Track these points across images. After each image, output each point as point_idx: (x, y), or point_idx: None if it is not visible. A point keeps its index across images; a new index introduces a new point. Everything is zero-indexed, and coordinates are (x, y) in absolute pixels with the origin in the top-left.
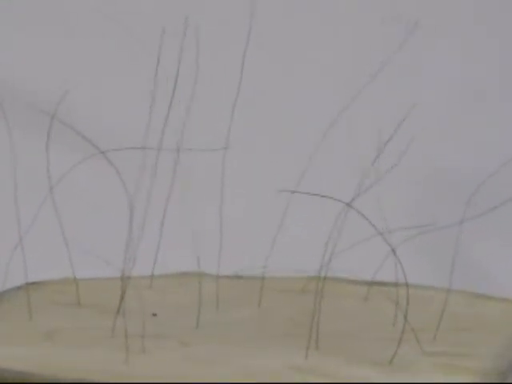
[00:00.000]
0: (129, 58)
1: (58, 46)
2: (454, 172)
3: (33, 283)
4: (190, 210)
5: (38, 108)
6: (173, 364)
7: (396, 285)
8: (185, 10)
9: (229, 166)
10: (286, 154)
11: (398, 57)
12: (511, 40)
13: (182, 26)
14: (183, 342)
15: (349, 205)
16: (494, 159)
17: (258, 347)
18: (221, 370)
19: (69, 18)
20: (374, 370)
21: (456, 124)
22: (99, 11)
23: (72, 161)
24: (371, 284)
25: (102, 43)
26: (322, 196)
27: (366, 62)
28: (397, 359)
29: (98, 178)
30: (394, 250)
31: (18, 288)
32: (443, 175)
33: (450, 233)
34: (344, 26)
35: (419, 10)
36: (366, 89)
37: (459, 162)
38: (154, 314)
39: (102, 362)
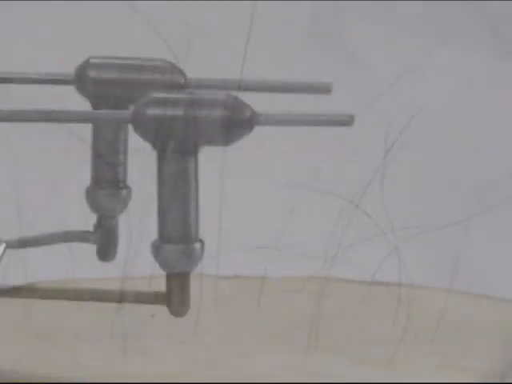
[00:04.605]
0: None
1: (57, 46)
2: (454, 172)
3: (32, 283)
4: None
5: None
6: (172, 364)
7: (396, 284)
8: (185, 11)
9: (229, 165)
10: (286, 154)
11: (402, 59)
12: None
13: (182, 27)
14: (183, 341)
15: (352, 203)
16: (495, 159)
17: (258, 347)
18: (220, 370)
19: (68, 19)
20: (373, 369)
21: (457, 125)
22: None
23: (72, 159)
24: (371, 284)
25: (100, 43)
26: (325, 193)
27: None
28: (397, 359)
29: None
30: (396, 247)
31: (18, 288)
32: (444, 175)
33: (450, 233)
34: (347, 28)
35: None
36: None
37: (460, 161)
38: (152, 315)
39: (101, 362)
